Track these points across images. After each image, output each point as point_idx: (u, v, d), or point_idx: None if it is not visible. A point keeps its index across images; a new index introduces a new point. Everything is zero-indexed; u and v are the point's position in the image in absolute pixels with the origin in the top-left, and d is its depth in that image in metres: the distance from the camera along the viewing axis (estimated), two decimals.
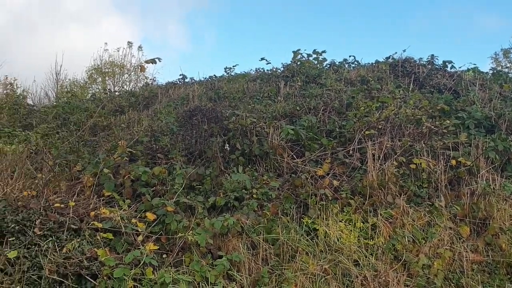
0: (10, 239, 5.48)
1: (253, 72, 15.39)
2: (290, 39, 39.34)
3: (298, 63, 13.45)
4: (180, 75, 15.74)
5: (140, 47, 27.40)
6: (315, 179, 7.49)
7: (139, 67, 6.84)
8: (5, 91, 23.23)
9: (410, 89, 11.71)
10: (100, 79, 28.18)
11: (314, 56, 13.61)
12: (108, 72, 27.84)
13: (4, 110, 12.85)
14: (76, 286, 5.30)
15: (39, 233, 5.58)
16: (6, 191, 6.39)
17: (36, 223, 5.66)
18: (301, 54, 13.56)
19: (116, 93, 15.44)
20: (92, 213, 5.99)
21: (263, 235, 6.31)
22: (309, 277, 5.69)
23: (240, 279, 5.64)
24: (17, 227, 5.59)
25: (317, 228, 6.50)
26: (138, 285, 5.26)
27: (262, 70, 15.18)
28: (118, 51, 26.73)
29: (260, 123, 8.82)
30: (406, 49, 15.51)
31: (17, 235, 5.56)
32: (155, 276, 5.32)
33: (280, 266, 5.93)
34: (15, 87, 22.55)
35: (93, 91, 24.46)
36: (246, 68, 16.42)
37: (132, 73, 27.98)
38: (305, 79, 12.48)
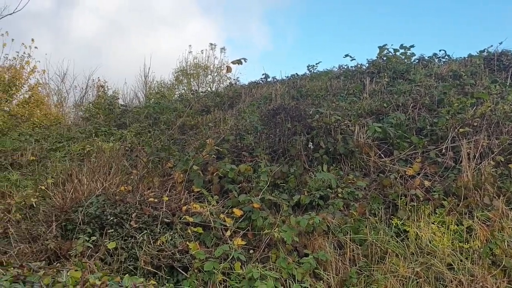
0: (109, 231, 5.87)
1: (336, 69, 15.15)
2: (373, 36, 38.20)
3: (384, 58, 13.02)
4: (263, 74, 15.95)
5: (222, 49, 28.21)
6: (405, 179, 7.20)
7: (226, 68, 7.00)
8: (97, 93, 25.00)
9: (508, 84, 10.87)
10: (185, 80, 29.40)
11: (402, 51, 13.06)
12: (193, 73, 28.97)
13: (100, 111, 13.83)
14: (168, 277, 5.56)
15: (135, 226, 5.91)
16: (105, 186, 6.84)
17: (132, 216, 6.01)
18: (387, 49, 13.11)
19: (202, 94, 15.99)
20: (184, 208, 6.24)
21: (350, 235, 6.18)
22: (400, 280, 5.48)
23: (327, 278, 5.57)
24: (115, 220, 5.98)
25: (407, 229, 6.24)
26: (227, 279, 5.39)
27: (345, 67, 14.91)
28: (202, 53, 27.74)
29: (345, 121, 8.66)
30: (503, 42, 14.41)
31: (115, 228, 5.95)
32: (243, 271, 5.41)
33: (369, 267, 5.78)
34: (106, 89, 24.16)
35: (179, 92, 25.55)
36: (329, 66, 16.22)
37: (215, 74, 28.86)
38: (392, 75, 12.04)
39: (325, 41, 38.81)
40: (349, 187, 7.16)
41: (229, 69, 9.39)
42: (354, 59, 14.02)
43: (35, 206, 7.01)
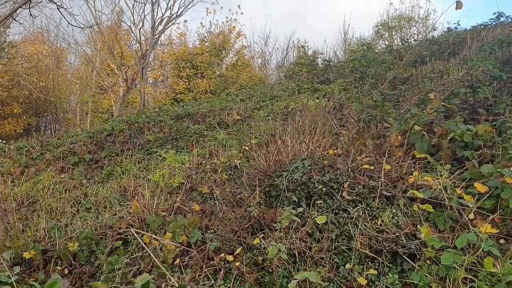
0: (317, 202, 4.97)
1: None
2: None
3: None
4: (494, 13, 13.09)
5: None
6: None
7: (456, 4, 5.39)
8: (298, 53, 25.12)
9: None
10: (387, 34, 27.57)
11: None
12: (395, 26, 27.01)
13: (304, 67, 13.19)
14: (390, 265, 4.41)
15: (347, 197, 4.88)
16: (311, 148, 5.97)
17: (344, 186, 4.98)
18: None
19: (415, 43, 13.98)
20: (411, 179, 4.93)
21: None
22: None
23: None
24: (324, 189, 5.04)
25: None
26: (473, 279, 3.98)
27: None
28: (403, 3, 25.53)
29: None
30: None
31: (324, 198, 5.02)
32: (497, 269, 3.92)
33: None
34: (306, 49, 23.99)
35: (379, 47, 23.90)
36: None
37: (420, 25, 26.15)
38: None
39: None
40: None
41: (459, 5, 7.48)
42: None
43: (238, 167, 6.59)
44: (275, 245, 4.46)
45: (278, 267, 4.59)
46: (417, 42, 13.90)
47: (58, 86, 28.22)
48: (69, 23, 7.34)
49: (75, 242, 6.17)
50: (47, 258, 6.13)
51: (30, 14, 6.66)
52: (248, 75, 27.24)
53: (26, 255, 5.84)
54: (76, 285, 5.65)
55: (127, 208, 7.23)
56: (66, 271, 5.81)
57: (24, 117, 26.36)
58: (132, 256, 5.70)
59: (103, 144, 11.24)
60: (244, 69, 27.59)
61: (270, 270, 4.66)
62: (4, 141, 12.35)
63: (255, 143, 7.10)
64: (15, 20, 7.73)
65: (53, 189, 8.88)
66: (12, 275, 1.81)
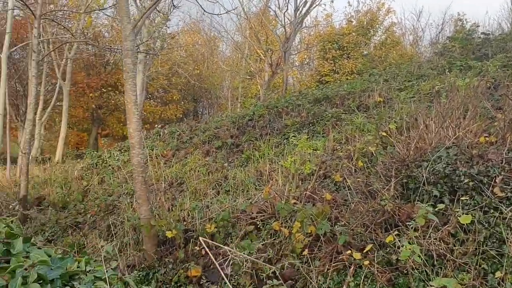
0: (462, 198, 4.32)
1: None
2: None
3: None
4: None
5: None
6: None
7: None
8: (455, 28, 22.86)
9: None
10: None
11: None
12: None
13: (456, 42, 11.79)
14: None
15: (500, 194, 4.16)
16: (458, 135, 5.24)
17: (497, 180, 4.25)
18: None
19: None
20: None
21: None
22: None
23: None
24: (471, 183, 4.38)
25: None
26: None
27: None
28: None
29: None
30: None
31: (471, 193, 4.35)
32: None
33: None
34: (464, 22, 21.68)
35: None
36: None
37: None
38: None
39: None
40: None
41: None
42: None
43: (374, 155, 6.13)
44: (408, 246, 4.01)
45: (414, 269, 4.12)
46: None
47: (212, 74, 30.15)
48: (204, 10, 7.53)
49: (213, 223, 6.38)
50: (187, 238, 6.48)
51: (174, 5, 7.00)
52: (398, 53, 25.73)
53: (169, 234, 6.21)
54: (211, 266, 5.86)
55: (261, 192, 7.28)
56: (203, 252, 6.06)
57: (183, 102, 28.79)
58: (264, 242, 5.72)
59: (244, 128, 11.55)
60: (393, 47, 26.15)
61: (405, 272, 4.22)
62: (160, 126, 13.53)
63: (395, 127, 6.52)
64: (159, 11, 8.25)
65: (198, 171, 9.39)
66: (106, 271, 1.86)
